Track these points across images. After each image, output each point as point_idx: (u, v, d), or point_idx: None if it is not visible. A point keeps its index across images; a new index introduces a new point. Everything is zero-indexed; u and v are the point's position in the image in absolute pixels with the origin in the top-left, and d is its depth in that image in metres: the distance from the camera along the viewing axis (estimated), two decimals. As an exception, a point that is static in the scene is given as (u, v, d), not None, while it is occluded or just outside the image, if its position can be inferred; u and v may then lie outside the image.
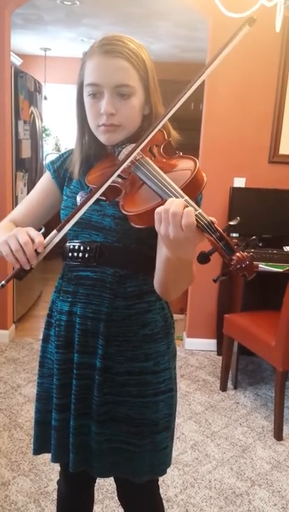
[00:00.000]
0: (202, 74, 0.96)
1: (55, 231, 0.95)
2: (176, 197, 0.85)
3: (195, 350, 3.32)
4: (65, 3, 3.73)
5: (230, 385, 2.85)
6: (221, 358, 2.90)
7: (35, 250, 0.93)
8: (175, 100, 0.96)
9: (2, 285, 0.93)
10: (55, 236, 0.95)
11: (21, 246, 0.92)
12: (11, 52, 3.32)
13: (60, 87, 5.70)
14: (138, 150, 0.97)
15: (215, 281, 0.83)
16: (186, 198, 0.84)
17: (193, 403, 2.67)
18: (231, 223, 0.82)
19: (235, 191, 3.03)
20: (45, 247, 0.94)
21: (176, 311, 3.67)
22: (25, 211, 1.22)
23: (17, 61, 5.11)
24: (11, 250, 0.93)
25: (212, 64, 0.95)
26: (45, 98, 4.76)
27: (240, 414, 2.58)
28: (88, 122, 1.08)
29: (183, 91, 0.96)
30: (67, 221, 0.95)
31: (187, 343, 3.35)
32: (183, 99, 0.96)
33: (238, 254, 0.79)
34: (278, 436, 2.38)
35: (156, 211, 0.83)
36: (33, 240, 0.93)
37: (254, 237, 0.81)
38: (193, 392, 2.78)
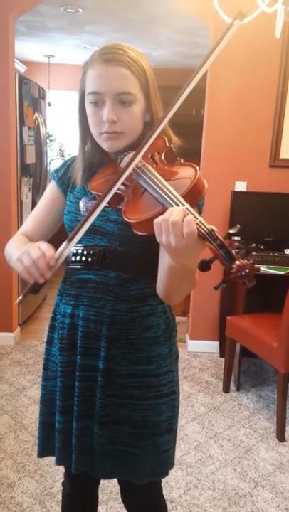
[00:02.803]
0: (198, 73, 0.95)
1: (65, 242, 0.96)
2: (177, 205, 0.85)
3: (198, 352, 3.34)
4: (69, 10, 3.78)
5: (232, 386, 2.87)
6: (223, 359, 2.92)
7: (47, 264, 0.94)
8: (175, 98, 0.95)
9: (20, 301, 0.96)
10: (66, 248, 0.96)
11: (34, 261, 0.94)
12: (15, 60, 3.36)
13: (63, 93, 5.76)
14: (140, 155, 0.98)
15: (216, 288, 0.83)
16: (187, 205, 0.85)
17: (197, 405, 2.69)
18: (231, 231, 0.82)
19: (237, 195, 3.06)
20: (56, 260, 0.96)
21: (179, 314, 3.69)
22: (34, 222, 1.24)
23: (21, 68, 5.16)
24: (25, 267, 0.95)
25: (208, 60, 0.95)
26: (49, 104, 4.80)
27: (243, 416, 2.60)
28: (90, 130, 1.10)
29: (182, 88, 0.95)
30: (77, 232, 0.96)
31: (190, 345, 3.37)
32: (184, 95, 0.95)
33: (238, 262, 0.79)
34: (281, 437, 2.40)
35: (155, 222, 0.83)
36: (44, 254, 0.95)
37: (253, 244, 0.82)
38: (196, 394, 2.80)
